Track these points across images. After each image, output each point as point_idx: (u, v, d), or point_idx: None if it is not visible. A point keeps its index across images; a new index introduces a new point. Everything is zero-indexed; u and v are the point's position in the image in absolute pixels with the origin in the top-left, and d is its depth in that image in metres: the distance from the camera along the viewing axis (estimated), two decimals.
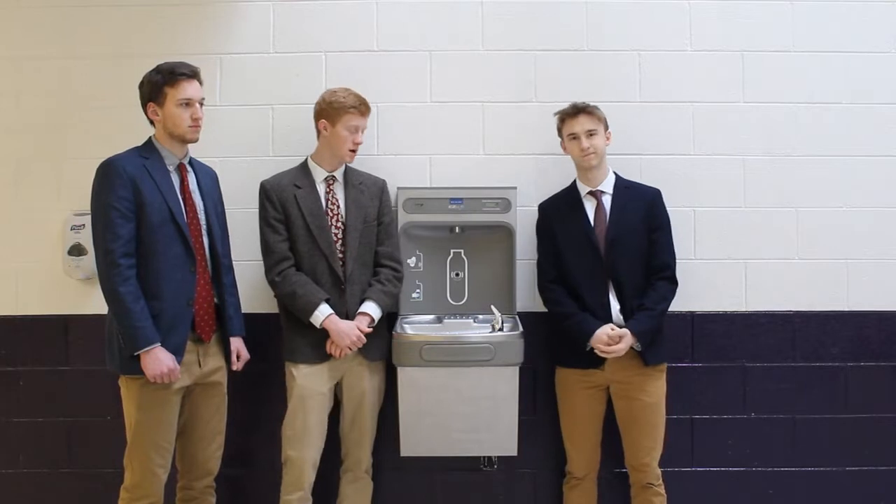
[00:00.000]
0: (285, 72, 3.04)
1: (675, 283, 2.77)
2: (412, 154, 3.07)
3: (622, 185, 2.83)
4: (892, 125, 3.07)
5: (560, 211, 2.85)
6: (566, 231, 2.80)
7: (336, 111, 2.73)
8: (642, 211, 2.77)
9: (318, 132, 2.79)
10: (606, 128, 2.80)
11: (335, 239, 2.75)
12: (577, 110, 2.77)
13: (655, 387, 2.75)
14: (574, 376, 2.79)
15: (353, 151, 2.75)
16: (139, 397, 2.47)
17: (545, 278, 2.85)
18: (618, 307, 2.72)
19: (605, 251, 2.73)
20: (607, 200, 2.80)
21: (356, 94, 2.77)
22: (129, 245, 2.42)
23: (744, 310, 3.05)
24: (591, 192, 2.81)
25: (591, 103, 2.79)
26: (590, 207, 2.80)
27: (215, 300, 2.60)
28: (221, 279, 2.61)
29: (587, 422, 2.80)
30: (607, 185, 2.82)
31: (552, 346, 2.91)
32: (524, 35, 3.07)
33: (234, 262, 2.73)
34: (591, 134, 2.74)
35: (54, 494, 3.03)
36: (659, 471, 2.78)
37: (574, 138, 2.77)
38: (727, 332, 3.05)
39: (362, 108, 2.75)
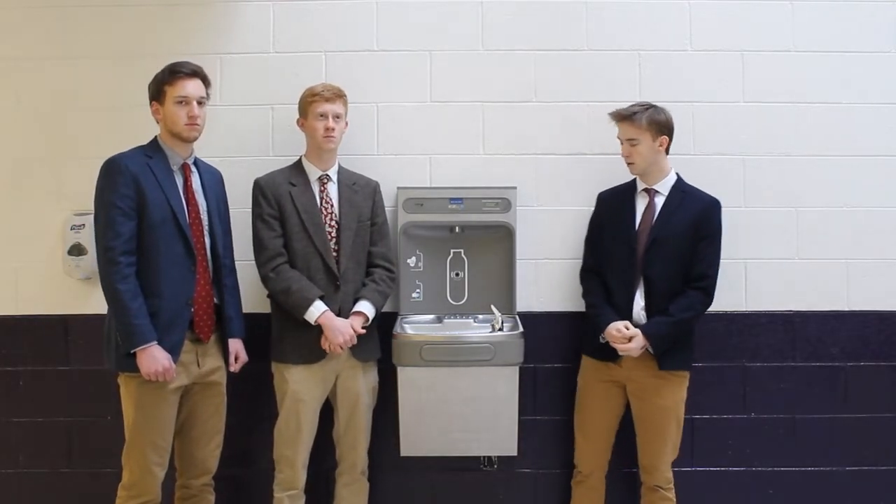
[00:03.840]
0: (285, 72, 3.04)
1: (709, 295, 2.70)
2: (412, 154, 3.07)
3: (680, 189, 2.76)
4: (892, 125, 3.07)
5: (613, 203, 2.84)
6: (612, 223, 2.80)
7: (304, 105, 2.78)
8: (692, 218, 2.70)
9: (303, 132, 2.82)
10: (660, 133, 2.69)
11: (329, 237, 2.75)
12: (621, 118, 2.72)
13: (671, 392, 2.71)
14: (595, 368, 2.79)
15: (328, 137, 2.73)
16: (137, 396, 2.48)
17: (585, 266, 2.88)
18: (642, 305, 2.71)
19: (644, 250, 2.71)
20: (660, 201, 2.76)
21: (325, 84, 2.81)
22: (129, 243, 2.43)
23: (744, 310, 3.05)
24: (645, 190, 2.79)
25: (647, 106, 2.69)
26: (641, 205, 2.78)
27: (215, 300, 2.60)
28: (223, 280, 2.62)
29: (600, 415, 2.80)
30: (664, 186, 2.76)
31: (580, 335, 2.92)
32: (524, 35, 3.07)
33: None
34: (632, 143, 2.70)
35: (54, 494, 3.04)
36: (670, 475, 2.76)
37: (621, 142, 2.76)
38: (727, 332, 3.05)
39: (326, 93, 2.75)
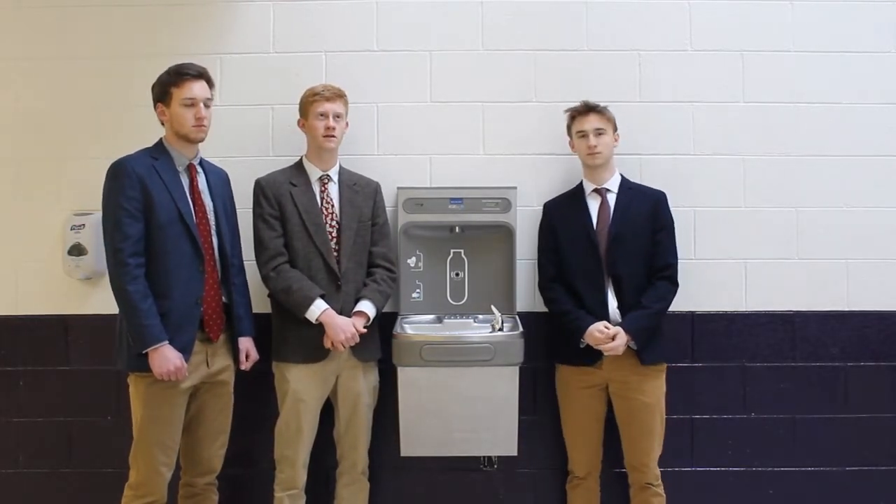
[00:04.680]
0: (285, 72, 3.04)
1: (675, 283, 2.78)
2: (412, 154, 3.07)
3: (627, 186, 2.85)
4: (892, 125, 3.07)
5: (563, 209, 2.87)
6: (568, 228, 2.82)
7: (305, 105, 2.80)
8: (647, 211, 2.78)
9: (304, 133, 2.83)
10: (615, 129, 2.84)
11: (330, 237, 2.75)
12: (588, 109, 2.81)
13: (653, 386, 2.75)
14: (573, 375, 2.80)
15: (328, 137, 2.75)
16: (146, 395, 2.49)
17: (545, 277, 2.87)
18: (615, 304, 2.74)
19: (606, 249, 2.75)
20: (612, 199, 2.82)
21: (325, 84, 2.83)
22: (137, 244, 2.44)
23: (744, 310, 3.05)
24: (595, 191, 2.83)
25: (602, 104, 2.82)
26: (594, 205, 2.82)
27: (224, 300, 2.61)
28: (231, 279, 2.63)
29: (587, 421, 2.81)
30: (612, 185, 2.84)
31: (552, 344, 2.92)
32: (524, 35, 3.07)
33: None
34: (599, 133, 2.77)
35: (54, 494, 3.03)
36: (658, 471, 2.79)
37: (582, 136, 2.79)
38: (727, 332, 3.05)
39: (326, 93, 2.76)
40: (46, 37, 3.07)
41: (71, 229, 2.98)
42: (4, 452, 3.04)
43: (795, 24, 3.08)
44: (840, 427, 3.05)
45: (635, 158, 3.01)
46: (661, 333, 2.79)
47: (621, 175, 2.87)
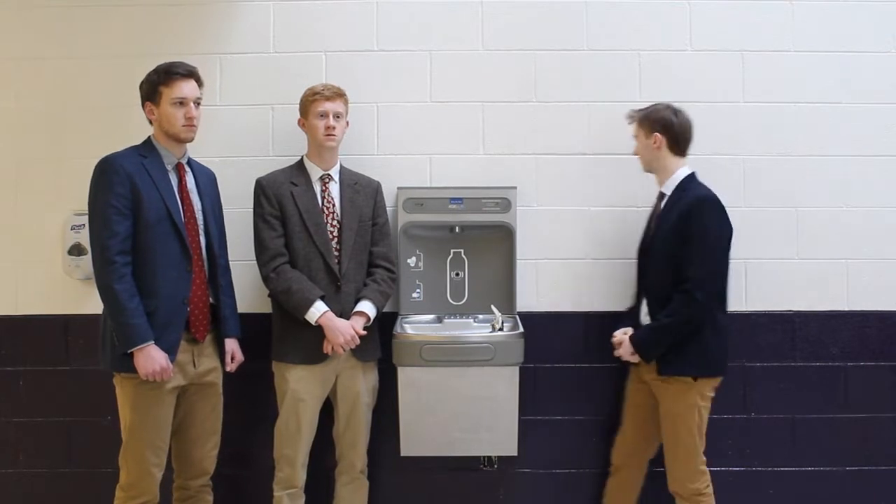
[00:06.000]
0: (285, 72, 3.04)
1: (694, 299, 2.54)
2: (412, 154, 3.07)
3: (681, 188, 2.68)
4: (892, 125, 3.07)
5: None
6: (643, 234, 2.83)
7: (305, 104, 2.80)
8: (676, 219, 2.62)
9: (305, 132, 2.83)
10: (651, 130, 2.68)
11: (331, 237, 2.75)
12: (629, 117, 2.78)
13: (675, 398, 2.62)
14: (632, 367, 2.79)
15: (329, 136, 2.75)
16: (133, 397, 2.48)
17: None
18: (646, 311, 2.72)
19: (640, 257, 2.77)
20: (664, 204, 2.74)
21: (325, 83, 2.82)
22: (125, 242, 2.42)
23: (744, 310, 3.05)
24: (661, 193, 2.77)
25: (655, 105, 2.73)
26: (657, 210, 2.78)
27: (211, 300, 2.60)
28: (218, 279, 2.62)
29: (628, 409, 2.82)
30: (669, 188, 2.72)
31: None
32: (524, 35, 3.07)
33: (231, 262, 2.74)
34: (635, 138, 2.76)
35: (54, 494, 3.04)
36: (693, 486, 2.61)
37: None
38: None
39: (326, 92, 2.76)
40: (46, 37, 3.07)
41: (71, 229, 2.98)
42: (4, 452, 3.04)
43: (795, 24, 3.07)
44: (840, 427, 3.05)
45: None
46: (691, 348, 2.59)
47: (690, 174, 2.70)
